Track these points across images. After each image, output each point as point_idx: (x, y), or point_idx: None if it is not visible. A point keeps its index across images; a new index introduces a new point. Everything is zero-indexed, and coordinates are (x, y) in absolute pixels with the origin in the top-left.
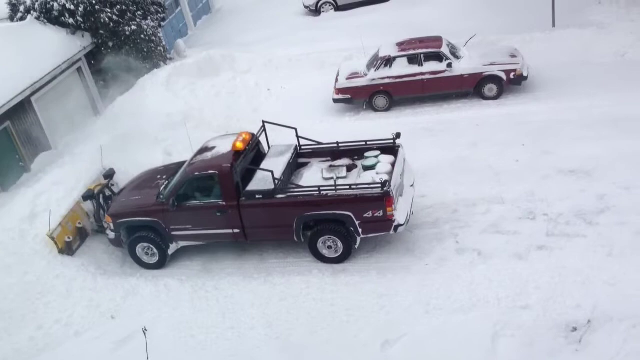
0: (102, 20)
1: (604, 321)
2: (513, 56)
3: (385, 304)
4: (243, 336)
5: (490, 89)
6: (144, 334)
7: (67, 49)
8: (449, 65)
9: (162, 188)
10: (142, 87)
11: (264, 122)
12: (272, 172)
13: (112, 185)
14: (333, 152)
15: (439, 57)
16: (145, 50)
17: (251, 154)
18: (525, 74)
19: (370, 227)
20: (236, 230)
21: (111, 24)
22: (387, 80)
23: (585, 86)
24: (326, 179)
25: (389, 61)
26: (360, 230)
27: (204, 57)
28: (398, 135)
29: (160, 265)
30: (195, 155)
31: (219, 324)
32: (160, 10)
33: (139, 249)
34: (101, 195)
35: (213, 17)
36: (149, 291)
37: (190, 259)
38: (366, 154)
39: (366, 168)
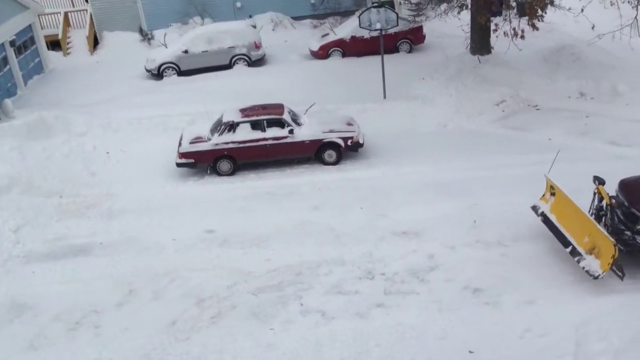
0: None
1: None
2: (350, 124)
3: None
4: None
5: (329, 154)
6: None
7: None
8: (291, 131)
9: None
10: None
11: None
12: None
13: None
14: None
15: (281, 124)
16: None
17: None
18: (361, 141)
19: None
20: None
21: None
22: (231, 145)
23: (413, 153)
24: None
25: (232, 126)
26: None
27: (35, 118)
28: None
29: None
30: None
31: None
32: None
33: None
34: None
35: (46, 77)
36: None
37: None
38: None
39: None
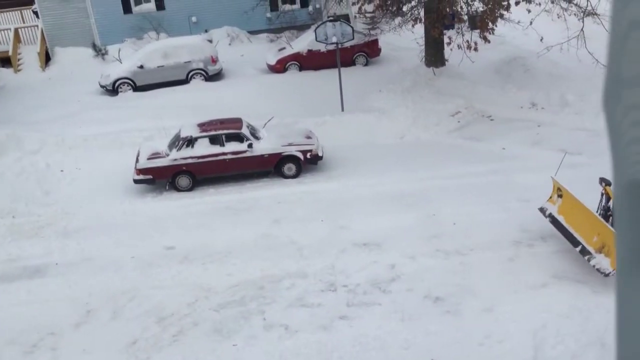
0: None
1: None
2: (308, 137)
3: None
4: None
5: (289, 168)
6: None
7: None
8: (250, 145)
9: None
10: None
11: None
12: None
13: None
14: None
15: (239, 138)
16: None
17: None
18: (320, 154)
19: None
20: None
21: None
22: (189, 160)
23: (371, 165)
24: None
25: (190, 141)
26: None
27: None
28: None
29: None
30: None
31: None
32: None
33: None
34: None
35: None
36: None
37: None
38: None
39: None
